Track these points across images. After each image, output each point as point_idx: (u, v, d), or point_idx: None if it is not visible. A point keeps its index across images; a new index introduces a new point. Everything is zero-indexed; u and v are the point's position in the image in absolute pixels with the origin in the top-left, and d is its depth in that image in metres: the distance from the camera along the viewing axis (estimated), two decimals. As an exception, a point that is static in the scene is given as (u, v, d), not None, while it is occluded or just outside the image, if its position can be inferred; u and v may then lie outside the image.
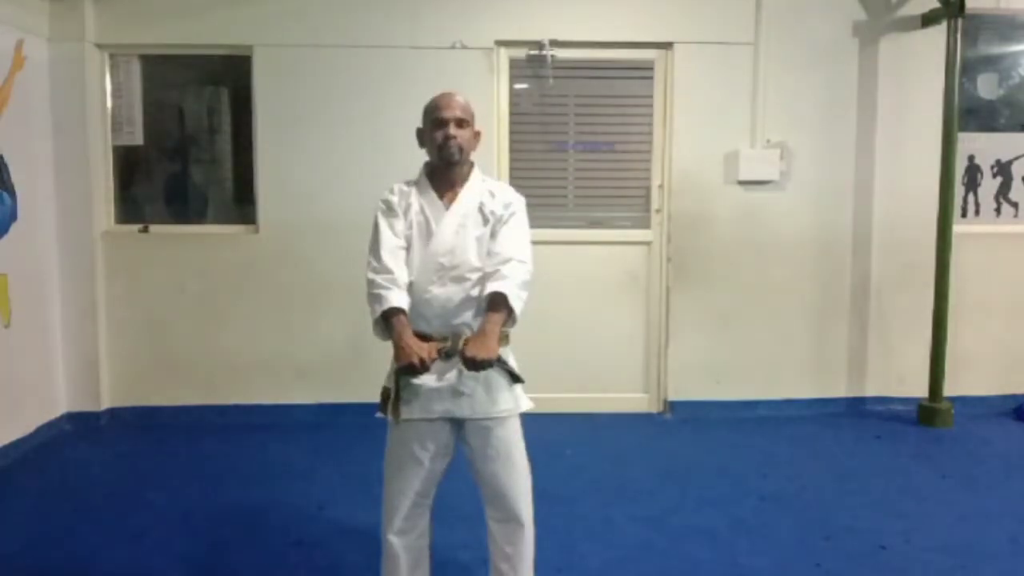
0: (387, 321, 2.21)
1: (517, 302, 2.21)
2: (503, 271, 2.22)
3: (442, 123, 2.30)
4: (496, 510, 2.37)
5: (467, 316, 2.26)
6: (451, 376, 2.26)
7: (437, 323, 2.25)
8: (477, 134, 2.40)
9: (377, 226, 2.32)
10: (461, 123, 2.31)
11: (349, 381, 4.59)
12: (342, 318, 4.62)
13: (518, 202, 2.37)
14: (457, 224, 2.29)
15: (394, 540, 2.34)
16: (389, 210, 2.32)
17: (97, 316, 4.64)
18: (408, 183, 2.39)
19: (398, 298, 2.21)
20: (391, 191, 2.36)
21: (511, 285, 2.20)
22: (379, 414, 2.33)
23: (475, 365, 2.15)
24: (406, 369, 2.18)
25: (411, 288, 2.27)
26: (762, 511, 3.44)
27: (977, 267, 4.88)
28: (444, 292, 2.26)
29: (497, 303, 2.20)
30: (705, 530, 3.24)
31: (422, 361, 2.16)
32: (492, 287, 2.20)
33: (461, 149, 2.30)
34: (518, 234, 2.32)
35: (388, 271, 2.24)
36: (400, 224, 2.31)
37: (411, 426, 2.28)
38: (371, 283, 2.25)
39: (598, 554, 3.03)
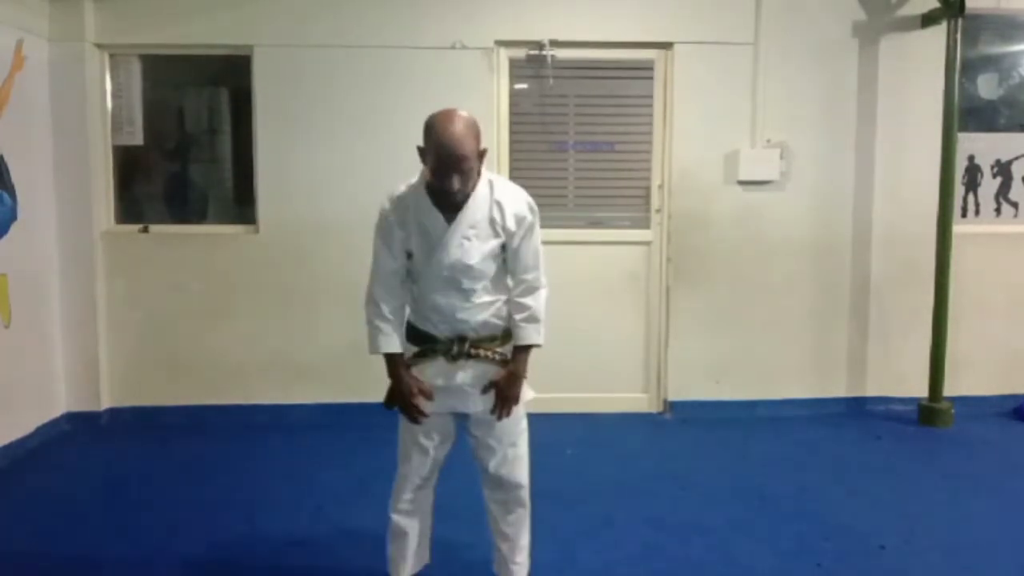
0: (384, 357, 2.33)
1: (544, 339, 2.37)
2: (535, 310, 2.33)
3: (445, 175, 2.14)
4: (498, 492, 2.46)
5: (473, 322, 2.29)
6: (458, 377, 2.32)
7: (443, 327, 2.30)
8: (483, 153, 2.22)
9: (375, 249, 2.32)
10: (466, 170, 2.15)
11: (349, 381, 4.59)
12: (342, 318, 4.61)
13: (531, 214, 2.30)
14: (461, 237, 2.23)
15: (401, 519, 2.46)
16: (386, 227, 2.28)
17: (97, 316, 4.64)
18: (408, 187, 2.30)
19: (387, 342, 2.30)
20: (389, 202, 2.29)
21: (543, 329, 2.34)
22: (386, 407, 2.41)
23: (505, 411, 2.33)
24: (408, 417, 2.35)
25: (417, 293, 2.33)
26: (762, 511, 3.44)
27: (977, 267, 4.88)
28: (448, 302, 2.28)
29: (530, 346, 2.35)
30: (705, 530, 3.24)
31: (418, 415, 2.32)
32: (529, 336, 2.32)
33: (465, 195, 2.21)
34: (539, 255, 2.35)
35: (376, 305, 2.30)
36: (397, 243, 2.28)
37: None
38: (366, 314, 2.33)
39: (598, 554, 3.03)
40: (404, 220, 2.27)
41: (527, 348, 2.34)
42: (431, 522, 2.58)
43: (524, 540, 2.50)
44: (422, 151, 2.24)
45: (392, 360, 2.31)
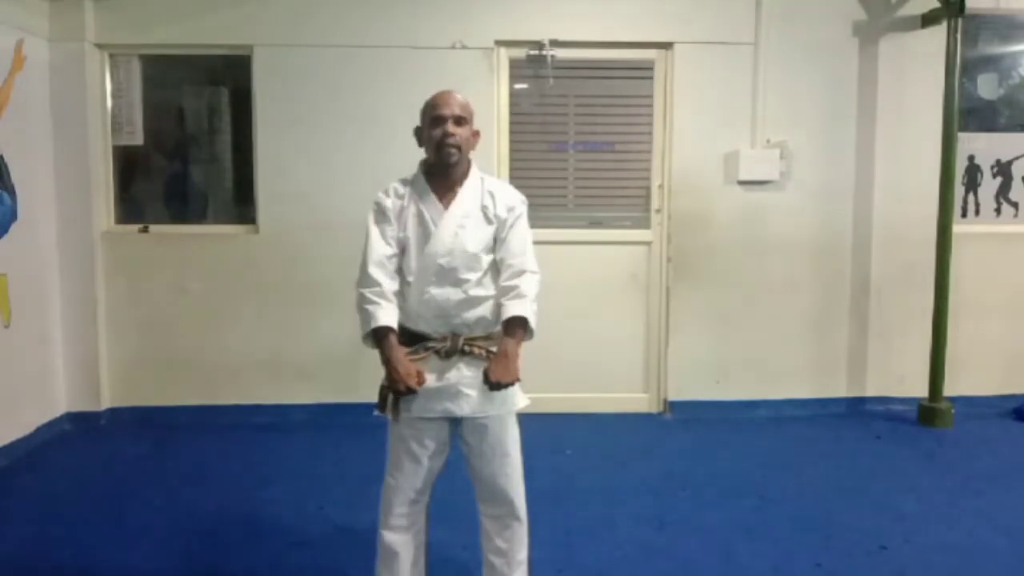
0: (376, 337, 2.23)
1: (534, 319, 2.26)
2: (521, 289, 2.26)
3: (440, 121, 2.27)
4: (491, 506, 2.39)
5: (467, 316, 2.27)
6: (450, 376, 2.27)
7: (436, 323, 2.27)
8: (476, 133, 2.37)
9: (368, 233, 2.31)
10: (459, 121, 2.28)
11: (349, 381, 4.59)
12: (342, 318, 4.55)
13: (521, 204, 2.38)
14: (456, 225, 2.28)
15: (393, 537, 2.35)
16: (381, 214, 2.31)
17: (97, 316, 4.64)
18: (404, 182, 2.36)
19: (386, 315, 2.22)
20: (385, 192, 2.35)
21: (529, 305, 2.25)
22: (377, 412, 2.34)
23: (499, 387, 2.22)
24: (397, 392, 2.23)
25: (410, 289, 2.28)
26: (762, 511, 3.44)
27: (977, 267, 4.88)
28: (443, 293, 2.26)
29: (517, 324, 2.24)
30: (705, 530, 3.24)
31: (409, 389, 2.21)
32: (512, 309, 2.24)
33: (459, 148, 2.28)
34: (526, 242, 2.34)
35: (375, 284, 2.24)
36: (392, 229, 2.29)
37: (410, 424, 2.30)
38: (360, 296, 2.27)
39: (598, 554, 3.03)
40: (400, 209, 2.30)
41: (513, 324, 2.23)
42: (426, 539, 2.45)
43: (521, 555, 2.41)
44: (418, 130, 2.36)
45: (388, 338, 2.21)
